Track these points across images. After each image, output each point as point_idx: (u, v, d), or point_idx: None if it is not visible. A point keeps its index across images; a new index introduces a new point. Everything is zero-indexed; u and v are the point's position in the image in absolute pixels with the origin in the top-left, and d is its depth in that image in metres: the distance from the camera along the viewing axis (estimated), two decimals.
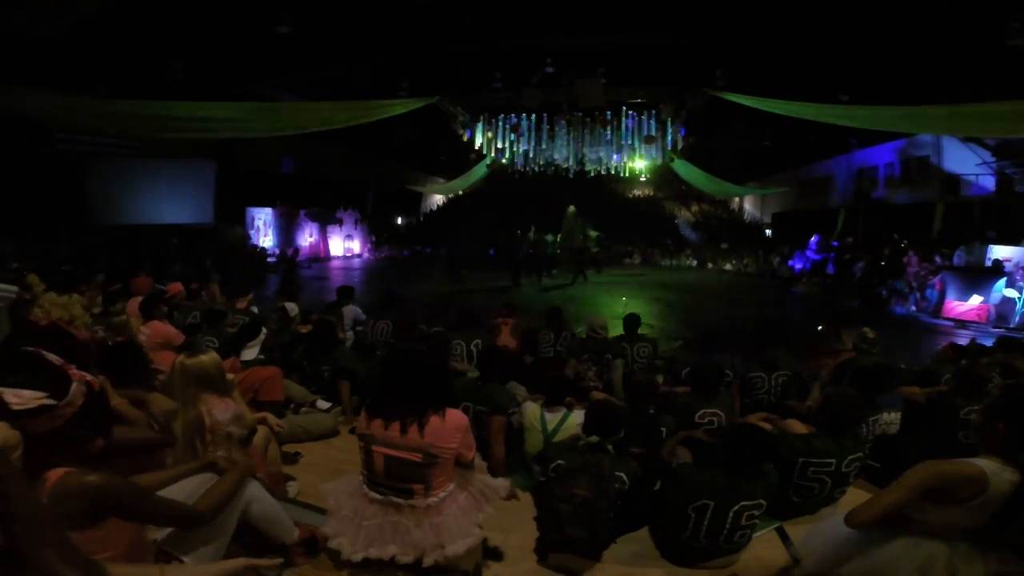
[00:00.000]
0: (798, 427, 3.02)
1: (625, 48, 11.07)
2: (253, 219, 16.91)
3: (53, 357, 1.43)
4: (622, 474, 2.48)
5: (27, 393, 1.27)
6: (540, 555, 2.39)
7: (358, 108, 10.78)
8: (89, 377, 1.43)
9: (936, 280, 10.84)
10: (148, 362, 3.09)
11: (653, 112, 14.86)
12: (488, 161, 16.92)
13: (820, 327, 5.85)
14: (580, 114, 14.97)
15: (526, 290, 13.07)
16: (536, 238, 16.68)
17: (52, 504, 1.29)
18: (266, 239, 17.35)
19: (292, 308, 5.69)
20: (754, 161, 19.96)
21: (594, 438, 2.58)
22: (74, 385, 1.35)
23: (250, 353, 3.66)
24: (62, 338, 2.47)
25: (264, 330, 3.86)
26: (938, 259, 11.63)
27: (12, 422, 1.25)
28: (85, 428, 1.41)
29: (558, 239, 18.65)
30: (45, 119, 9.10)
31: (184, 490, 1.92)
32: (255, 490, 2.06)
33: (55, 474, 1.32)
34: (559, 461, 2.56)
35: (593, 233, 18.84)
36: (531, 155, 16.52)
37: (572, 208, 19.35)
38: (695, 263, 20.62)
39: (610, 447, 2.58)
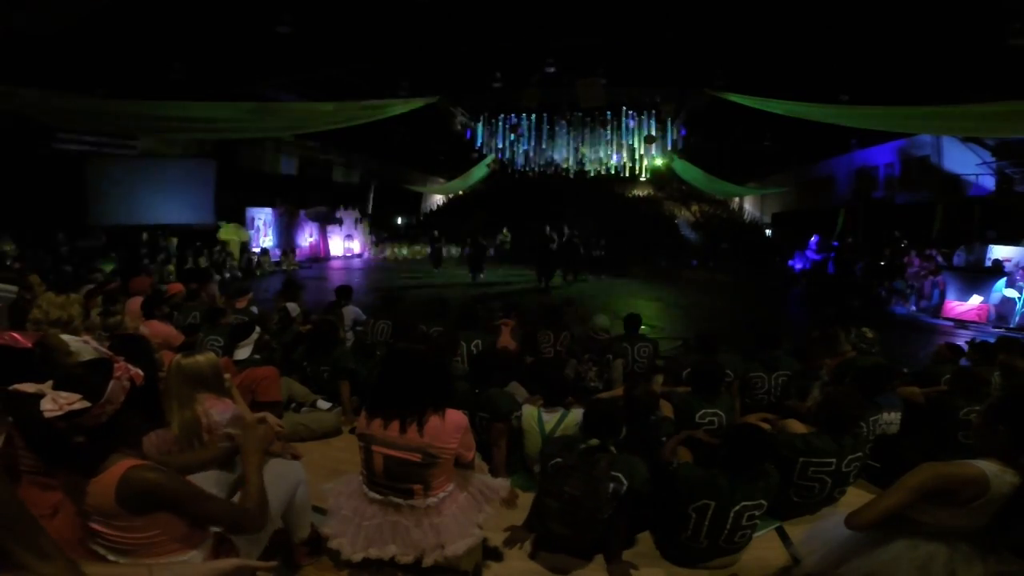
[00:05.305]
0: (798, 427, 3.02)
1: (625, 48, 11.05)
2: (253, 219, 16.89)
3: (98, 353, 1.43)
4: (619, 474, 2.38)
5: (63, 398, 1.25)
6: (533, 550, 2.40)
7: (358, 108, 10.77)
8: (133, 371, 1.41)
9: (937, 279, 10.83)
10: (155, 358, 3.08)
11: (653, 112, 14.87)
12: (488, 161, 16.90)
13: (824, 323, 5.82)
14: (580, 114, 14.97)
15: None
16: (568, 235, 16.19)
17: (117, 496, 1.34)
18: (266, 239, 17.34)
19: (294, 308, 5.69)
20: (754, 161, 19.93)
21: (594, 441, 2.56)
22: (111, 384, 1.33)
23: (242, 352, 3.64)
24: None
25: (257, 329, 3.83)
26: (939, 259, 11.61)
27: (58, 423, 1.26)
28: (134, 418, 1.42)
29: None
30: (45, 119, 9.11)
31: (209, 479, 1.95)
32: (303, 474, 2.09)
33: (119, 468, 1.36)
34: (557, 459, 2.56)
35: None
36: (531, 155, 16.51)
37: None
38: (695, 263, 20.61)
39: (612, 448, 2.53)
